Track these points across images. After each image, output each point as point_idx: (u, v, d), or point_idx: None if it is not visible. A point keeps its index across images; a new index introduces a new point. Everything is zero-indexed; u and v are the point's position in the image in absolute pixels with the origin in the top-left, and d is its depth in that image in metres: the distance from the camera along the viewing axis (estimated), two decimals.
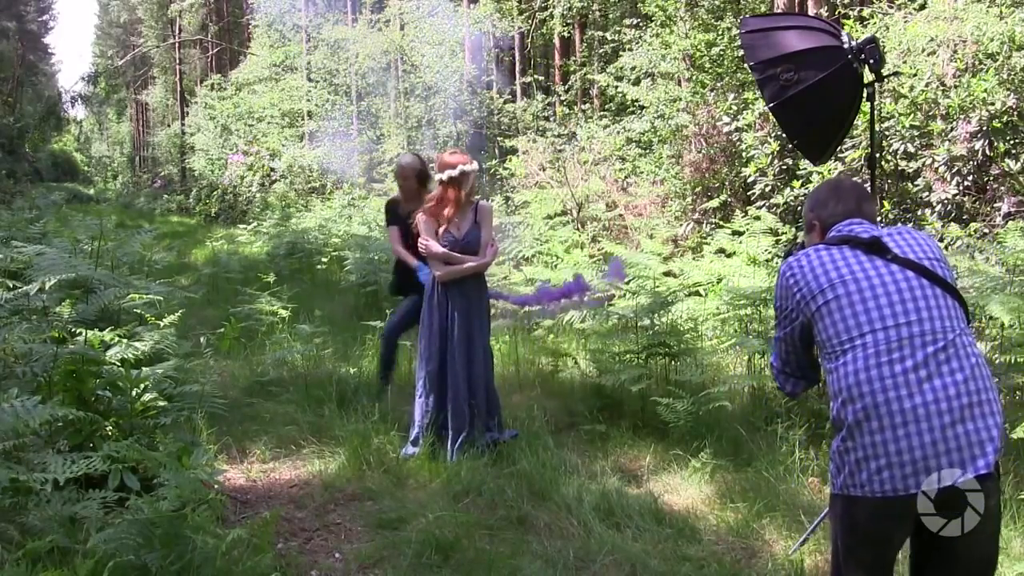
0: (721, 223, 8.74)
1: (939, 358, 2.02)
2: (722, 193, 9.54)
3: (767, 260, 7.10)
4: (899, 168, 7.14)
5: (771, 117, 6.71)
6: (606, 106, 14.90)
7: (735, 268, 7.13)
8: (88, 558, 2.76)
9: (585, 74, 16.00)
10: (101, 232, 5.71)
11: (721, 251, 7.79)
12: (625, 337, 5.50)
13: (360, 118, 19.49)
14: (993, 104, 6.48)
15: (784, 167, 8.28)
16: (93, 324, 4.64)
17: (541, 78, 18.43)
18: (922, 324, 2.05)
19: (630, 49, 12.04)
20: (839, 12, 8.50)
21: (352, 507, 3.91)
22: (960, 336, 2.06)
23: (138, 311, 5.31)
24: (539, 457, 4.21)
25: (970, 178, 6.73)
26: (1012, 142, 6.57)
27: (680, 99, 10.33)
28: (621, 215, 10.79)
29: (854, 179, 5.64)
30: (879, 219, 3.82)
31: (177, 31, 33.61)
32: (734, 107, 9.41)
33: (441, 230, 4.39)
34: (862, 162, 7.11)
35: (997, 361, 4.20)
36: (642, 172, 11.05)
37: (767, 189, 8.33)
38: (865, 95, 3.75)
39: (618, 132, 12.09)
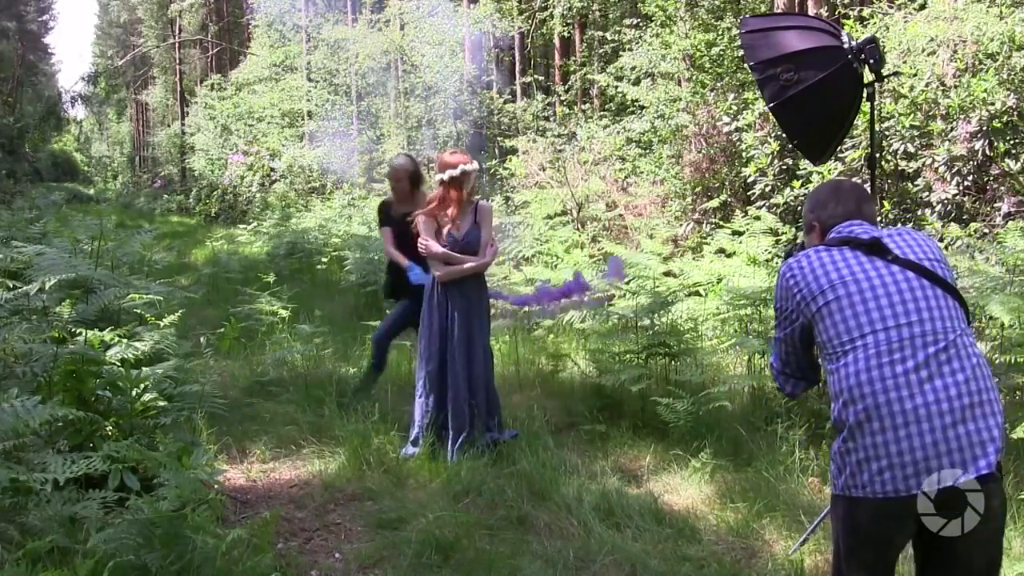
0: (721, 223, 8.74)
1: (940, 359, 2.02)
2: (722, 193, 9.54)
3: (767, 260, 7.10)
4: (899, 168, 7.14)
5: (771, 117, 6.71)
6: (606, 106, 14.90)
7: (735, 268, 7.13)
8: (88, 558, 2.76)
9: (585, 74, 16.00)
10: (101, 232, 5.71)
11: (721, 251, 7.79)
12: (625, 337, 5.50)
13: (360, 118, 19.49)
14: (993, 104, 6.48)
15: (784, 167, 8.28)
16: (93, 324, 4.64)
17: (541, 78, 18.44)
18: (923, 325, 2.05)
19: (630, 49, 12.04)
20: (839, 12, 8.50)
21: (352, 507, 3.91)
22: (961, 336, 2.07)
23: (138, 311, 5.30)
24: (539, 457, 4.20)
25: (970, 178, 6.73)
26: (1012, 142, 6.57)
27: (680, 99, 10.33)
28: (621, 215, 10.79)
29: (854, 180, 5.64)
30: (879, 219, 3.83)
31: (177, 31, 33.61)
32: (734, 107, 9.41)
33: (445, 231, 4.39)
34: (862, 162, 7.11)
35: (997, 361, 4.21)
36: (642, 172, 11.05)
37: (767, 189, 8.33)
38: (865, 95, 3.75)
39: (618, 132, 12.09)
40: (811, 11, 9.11)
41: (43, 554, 2.83)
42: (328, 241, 12.03)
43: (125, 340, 4.35)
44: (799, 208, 7.65)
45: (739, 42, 6.17)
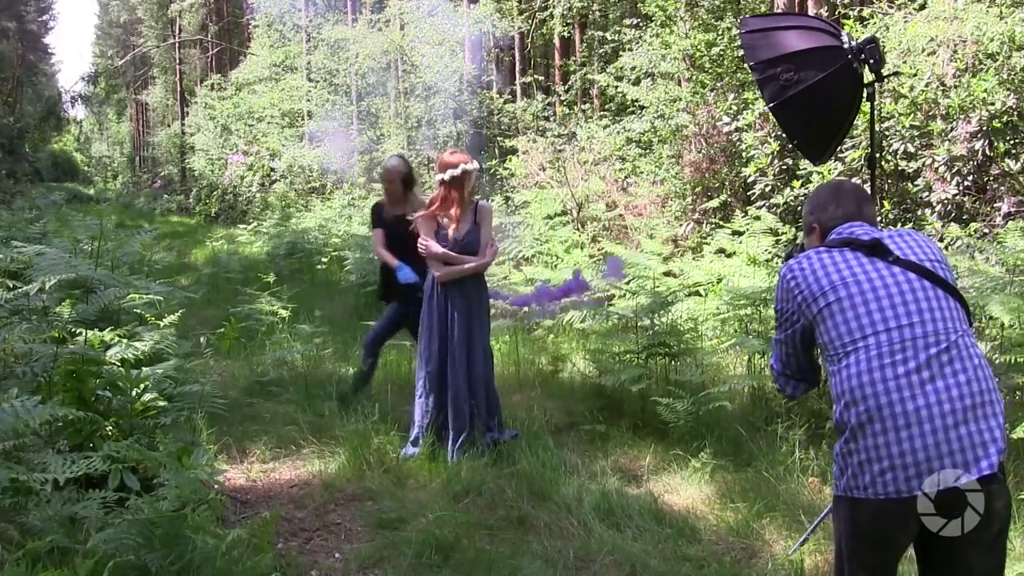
0: (721, 223, 8.74)
1: (941, 360, 2.02)
2: (722, 193, 9.54)
3: (767, 260, 7.10)
4: (899, 168, 7.14)
5: (771, 117, 6.71)
6: (606, 106, 14.89)
7: (735, 268, 7.13)
8: (88, 558, 2.76)
9: (585, 74, 16.00)
10: (101, 232, 5.70)
11: (721, 251, 7.78)
12: (625, 337, 5.49)
13: (360, 118, 19.48)
14: (993, 104, 6.48)
15: (784, 167, 8.28)
16: (93, 324, 4.64)
17: (541, 78, 18.43)
18: (924, 326, 2.05)
19: (630, 49, 12.03)
20: (839, 12, 8.50)
21: (352, 507, 3.91)
22: (962, 337, 2.07)
23: (138, 311, 5.30)
24: (539, 457, 4.20)
25: (970, 178, 6.73)
26: (1012, 142, 6.57)
27: (680, 99, 10.33)
28: (621, 215, 10.78)
29: (854, 181, 5.64)
30: (879, 219, 3.82)
31: (177, 31, 33.61)
32: (734, 107, 9.40)
33: (450, 231, 4.38)
34: (862, 162, 7.11)
35: (997, 361, 4.21)
36: (642, 172, 11.04)
37: (767, 189, 8.33)
38: (865, 95, 3.75)
39: (618, 132, 12.08)
40: (811, 11, 9.11)
41: (43, 554, 2.83)
42: (328, 241, 12.03)
43: (125, 340, 4.35)
44: (799, 208, 7.65)
45: (739, 42, 6.17)
